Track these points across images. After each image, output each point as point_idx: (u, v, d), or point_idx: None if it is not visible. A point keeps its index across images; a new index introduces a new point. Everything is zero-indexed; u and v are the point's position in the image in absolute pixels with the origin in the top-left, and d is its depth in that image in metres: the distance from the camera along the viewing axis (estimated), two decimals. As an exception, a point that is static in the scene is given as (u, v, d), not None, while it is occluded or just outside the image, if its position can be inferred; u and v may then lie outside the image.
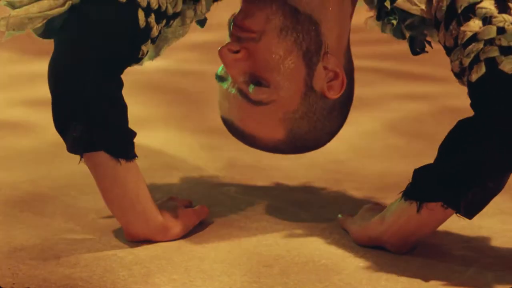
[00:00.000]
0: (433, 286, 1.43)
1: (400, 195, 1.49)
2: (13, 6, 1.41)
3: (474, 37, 1.39)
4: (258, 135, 1.57)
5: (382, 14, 1.56)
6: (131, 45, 1.46)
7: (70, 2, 1.42)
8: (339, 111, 1.59)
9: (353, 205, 1.81)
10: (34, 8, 1.40)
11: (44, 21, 1.43)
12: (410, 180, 1.48)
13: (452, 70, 1.45)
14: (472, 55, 1.39)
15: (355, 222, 1.61)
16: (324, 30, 1.53)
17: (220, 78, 1.57)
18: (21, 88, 2.86)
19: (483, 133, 1.39)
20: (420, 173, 1.47)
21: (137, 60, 1.49)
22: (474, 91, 1.40)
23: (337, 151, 2.10)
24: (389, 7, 1.52)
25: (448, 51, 1.45)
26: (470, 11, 1.40)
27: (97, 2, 1.42)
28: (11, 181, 1.89)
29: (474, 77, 1.39)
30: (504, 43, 1.37)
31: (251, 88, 1.51)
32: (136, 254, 1.52)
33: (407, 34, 1.56)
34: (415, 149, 2.24)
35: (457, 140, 1.43)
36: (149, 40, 1.48)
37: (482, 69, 1.38)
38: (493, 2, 1.39)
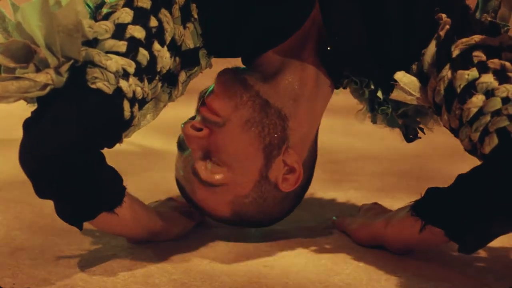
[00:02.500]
0: (433, 286, 1.43)
1: (408, 202, 1.48)
2: None
3: (480, 112, 1.36)
4: (205, 208, 1.55)
5: (375, 105, 1.55)
6: (113, 134, 1.39)
7: (52, 86, 1.32)
8: (291, 201, 1.56)
9: (353, 205, 1.82)
10: (13, 87, 1.30)
11: (19, 100, 1.35)
12: (421, 195, 1.46)
13: (465, 149, 1.41)
14: (481, 129, 1.35)
15: (355, 222, 1.61)
16: (292, 125, 1.50)
17: (180, 146, 1.54)
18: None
19: (503, 192, 1.33)
20: (432, 194, 1.45)
21: (113, 145, 1.40)
22: (493, 159, 1.35)
23: (337, 151, 2.10)
24: (381, 97, 1.52)
25: (455, 132, 1.42)
26: (471, 88, 1.37)
27: (83, 91, 1.34)
28: (11, 181, 1.89)
29: (488, 149, 1.34)
30: (511, 111, 1.33)
31: (209, 165, 1.48)
32: (136, 254, 1.52)
33: (400, 122, 1.55)
34: (415, 149, 2.23)
35: (479, 183, 1.37)
36: (129, 128, 1.43)
37: (495, 140, 1.33)
38: (491, 75, 1.37)
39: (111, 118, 1.37)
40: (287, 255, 1.54)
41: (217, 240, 1.60)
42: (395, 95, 1.46)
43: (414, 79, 1.45)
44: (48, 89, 1.32)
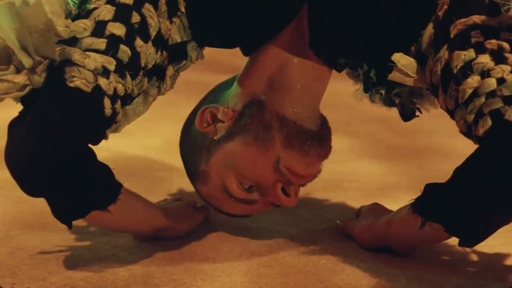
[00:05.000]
0: (433, 286, 1.43)
1: (409, 200, 1.48)
2: None
3: (475, 93, 1.35)
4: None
5: (369, 86, 1.55)
6: (95, 131, 1.37)
7: (30, 86, 1.33)
8: None
9: (353, 205, 1.81)
10: None
11: (1, 101, 1.35)
12: (421, 192, 1.46)
13: (460, 131, 1.41)
14: (475, 110, 1.35)
15: (358, 225, 1.61)
16: None
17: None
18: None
19: (497, 175, 1.32)
20: (431, 190, 1.44)
21: (98, 142, 1.39)
22: (485, 144, 1.35)
23: (337, 151, 2.11)
24: (375, 78, 1.52)
25: (451, 113, 1.42)
26: (467, 69, 1.37)
27: (62, 90, 1.34)
28: (11, 181, 1.89)
29: (481, 131, 1.33)
30: (506, 92, 1.33)
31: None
32: (136, 254, 1.52)
33: (397, 101, 1.55)
34: (415, 149, 2.24)
35: (473, 171, 1.37)
36: (113, 125, 1.42)
37: (488, 122, 1.32)
38: (488, 56, 1.37)
39: (91, 116, 1.35)
40: (287, 255, 1.54)
41: (217, 240, 1.60)
42: (393, 76, 1.45)
43: (412, 60, 1.45)
44: (27, 89, 1.33)
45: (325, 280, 1.44)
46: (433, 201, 1.43)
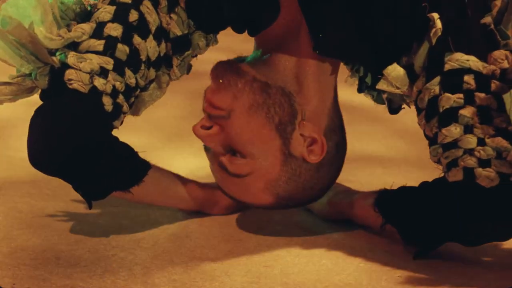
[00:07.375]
0: (433, 286, 1.43)
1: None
2: None
3: (455, 143, 1.41)
4: (247, 201, 1.54)
5: (363, 87, 1.58)
6: (98, 126, 1.46)
7: (38, 88, 1.47)
8: (328, 167, 1.54)
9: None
10: (6, 91, 1.47)
11: (14, 101, 1.50)
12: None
13: (431, 159, 1.47)
14: (451, 159, 1.41)
15: (318, 201, 1.64)
16: (300, 100, 1.49)
17: (206, 148, 1.55)
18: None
19: (464, 214, 1.43)
20: (398, 194, 1.54)
21: (107, 133, 1.48)
22: (450, 188, 1.43)
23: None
24: (369, 83, 1.54)
25: (426, 137, 1.48)
26: (452, 115, 1.41)
27: (63, 92, 1.45)
28: (11, 181, 1.89)
29: (452, 179, 1.41)
30: (483, 156, 1.38)
31: (232, 158, 1.48)
32: (136, 254, 1.52)
33: (385, 96, 1.57)
34: (415, 149, 2.24)
35: (439, 199, 1.45)
36: (122, 115, 1.49)
37: (460, 176, 1.40)
38: (475, 110, 1.40)
39: (91, 114, 1.45)
40: (287, 255, 1.54)
41: (217, 240, 1.60)
42: (382, 86, 1.48)
43: (402, 73, 1.46)
44: (35, 91, 1.48)
45: (325, 280, 1.44)
46: (396, 207, 1.54)
